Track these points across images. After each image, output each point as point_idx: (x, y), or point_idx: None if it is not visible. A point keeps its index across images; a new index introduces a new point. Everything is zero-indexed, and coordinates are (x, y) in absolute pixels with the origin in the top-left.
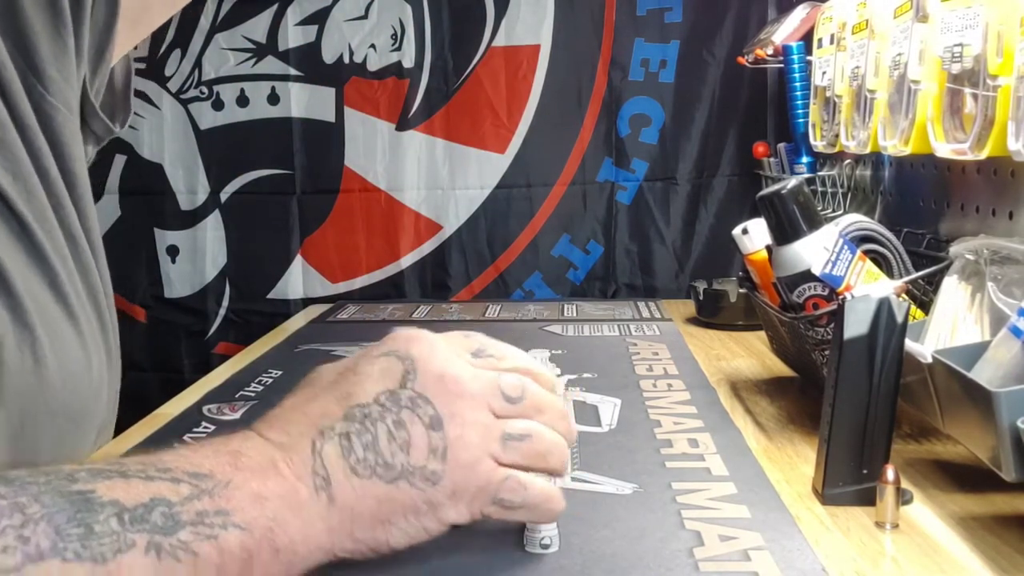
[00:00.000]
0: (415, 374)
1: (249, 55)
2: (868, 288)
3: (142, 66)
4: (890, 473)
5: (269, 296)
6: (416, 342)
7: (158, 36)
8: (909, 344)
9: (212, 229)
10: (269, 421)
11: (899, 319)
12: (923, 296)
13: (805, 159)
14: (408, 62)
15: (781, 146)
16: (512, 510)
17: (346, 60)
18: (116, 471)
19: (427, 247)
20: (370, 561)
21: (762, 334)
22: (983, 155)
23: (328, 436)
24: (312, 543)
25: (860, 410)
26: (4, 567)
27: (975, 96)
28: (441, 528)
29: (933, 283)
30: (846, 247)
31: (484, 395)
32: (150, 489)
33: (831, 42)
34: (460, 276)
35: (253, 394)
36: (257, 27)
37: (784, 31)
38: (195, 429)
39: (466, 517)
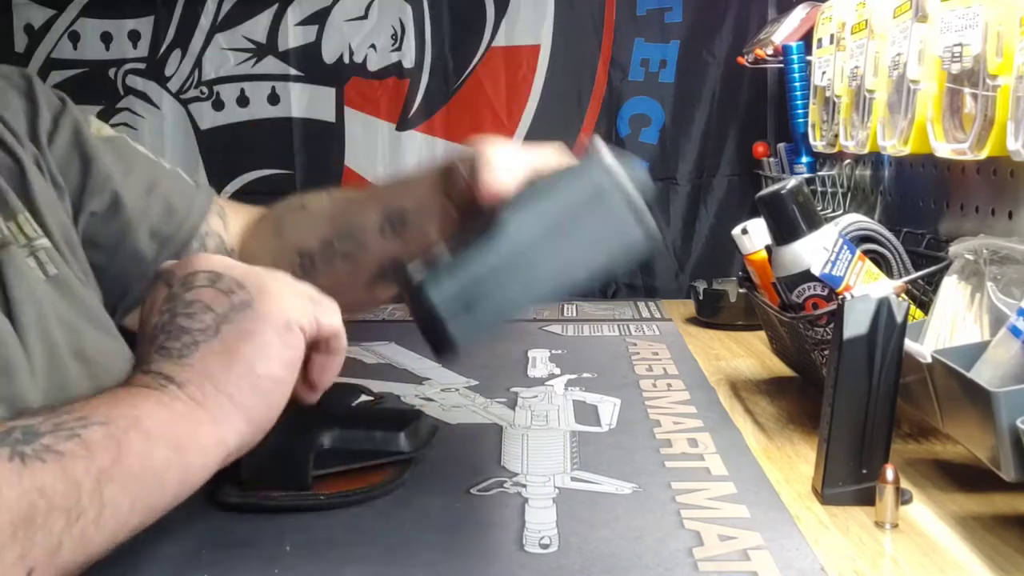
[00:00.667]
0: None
1: (249, 55)
2: (868, 288)
3: (142, 66)
4: (890, 473)
5: None
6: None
7: (158, 36)
8: (909, 344)
9: None
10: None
11: (899, 319)
12: (923, 296)
13: (805, 159)
14: (408, 62)
15: (781, 146)
16: (331, 314)
17: (346, 60)
18: None
19: None
20: (371, 557)
21: (762, 334)
22: (983, 155)
23: (149, 362)
24: (187, 418)
25: (860, 410)
26: None
27: (975, 96)
28: (295, 335)
29: (933, 283)
30: (846, 247)
31: (293, 285)
32: (12, 422)
33: (831, 42)
34: None
35: None
36: (257, 27)
37: (784, 31)
38: None
39: (307, 321)
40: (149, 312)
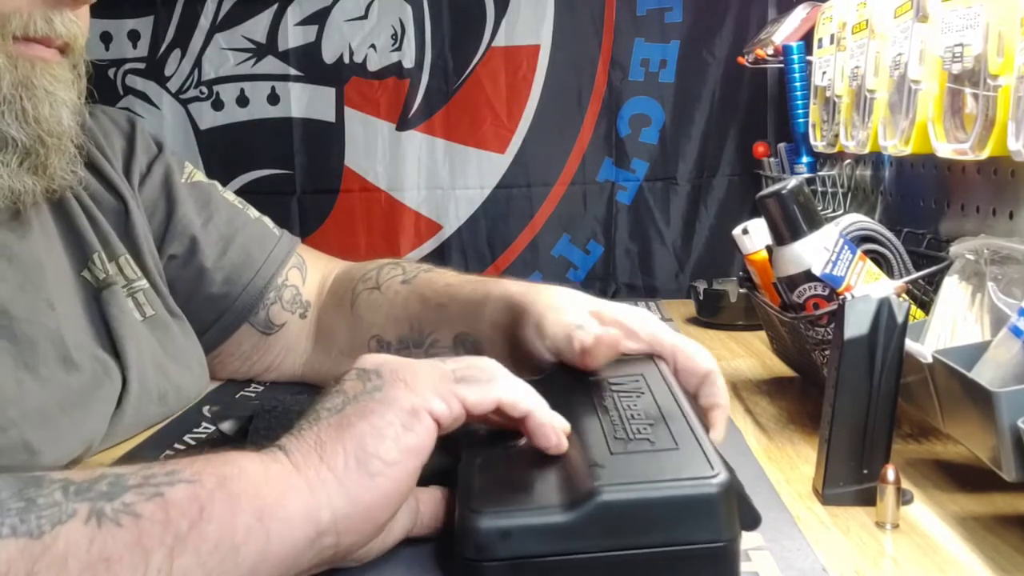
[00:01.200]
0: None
1: (249, 55)
2: (868, 288)
3: (142, 66)
4: (890, 473)
5: None
6: (386, 361)
7: (158, 36)
8: (909, 344)
9: None
10: None
11: (899, 319)
12: (923, 296)
13: (805, 159)
14: (408, 62)
15: (781, 146)
16: (484, 386)
17: (346, 60)
18: (81, 466)
19: (427, 247)
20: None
21: (762, 334)
22: (984, 155)
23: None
24: (280, 483)
25: (860, 410)
26: None
27: (976, 96)
28: (421, 421)
29: (933, 283)
30: (846, 247)
31: (432, 365)
32: (105, 469)
33: (831, 42)
34: None
35: (253, 394)
36: (257, 27)
37: (784, 31)
38: (195, 430)
39: (439, 402)
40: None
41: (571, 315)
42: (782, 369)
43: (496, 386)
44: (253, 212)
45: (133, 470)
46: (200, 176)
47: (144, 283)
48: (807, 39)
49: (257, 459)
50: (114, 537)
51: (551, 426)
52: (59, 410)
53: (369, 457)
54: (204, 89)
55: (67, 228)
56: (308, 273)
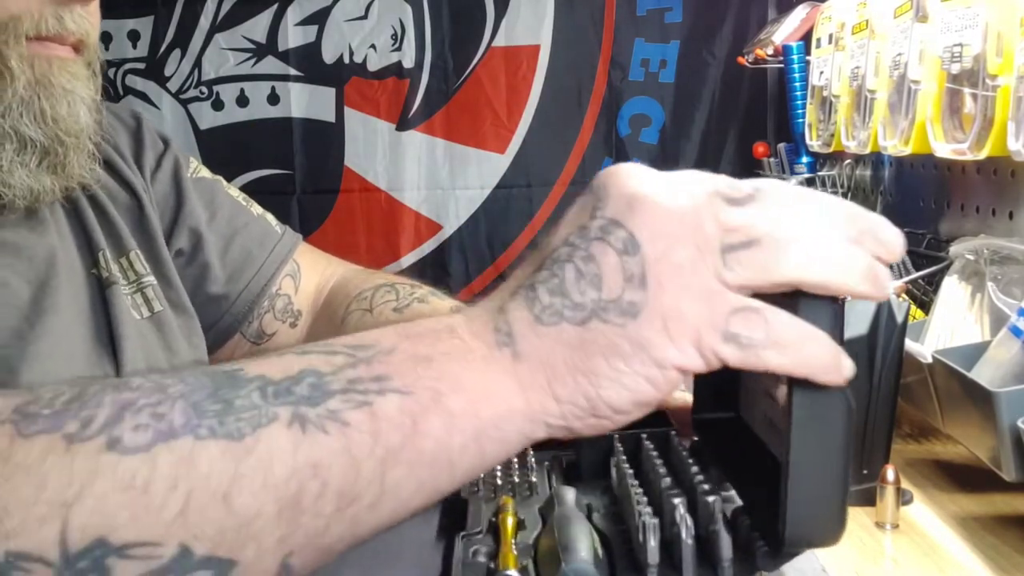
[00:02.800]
0: (605, 200)
1: (249, 55)
2: None
3: (142, 66)
4: (890, 473)
5: None
6: (614, 172)
7: (158, 36)
8: (909, 344)
9: None
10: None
11: (899, 319)
12: (923, 296)
13: (805, 159)
14: (408, 62)
15: (781, 146)
16: (758, 353)
17: (346, 60)
18: (274, 352)
19: (427, 247)
20: (371, 557)
21: None
22: (983, 155)
23: (515, 295)
24: (501, 404)
25: (860, 410)
26: (135, 445)
27: (975, 96)
28: (668, 375)
29: (933, 283)
30: None
31: (695, 207)
32: (302, 362)
33: (830, 42)
34: (460, 276)
35: None
36: (257, 27)
37: (784, 31)
38: None
39: (695, 359)
40: (574, 217)
41: None
42: None
43: (770, 355)
44: (256, 209)
45: (334, 367)
46: (204, 171)
47: (153, 279)
48: (807, 39)
49: (480, 363)
50: (320, 443)
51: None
52: None
53: (599, 402)
54: (204, 89)
55: (79, 224)
56: (302, 280)
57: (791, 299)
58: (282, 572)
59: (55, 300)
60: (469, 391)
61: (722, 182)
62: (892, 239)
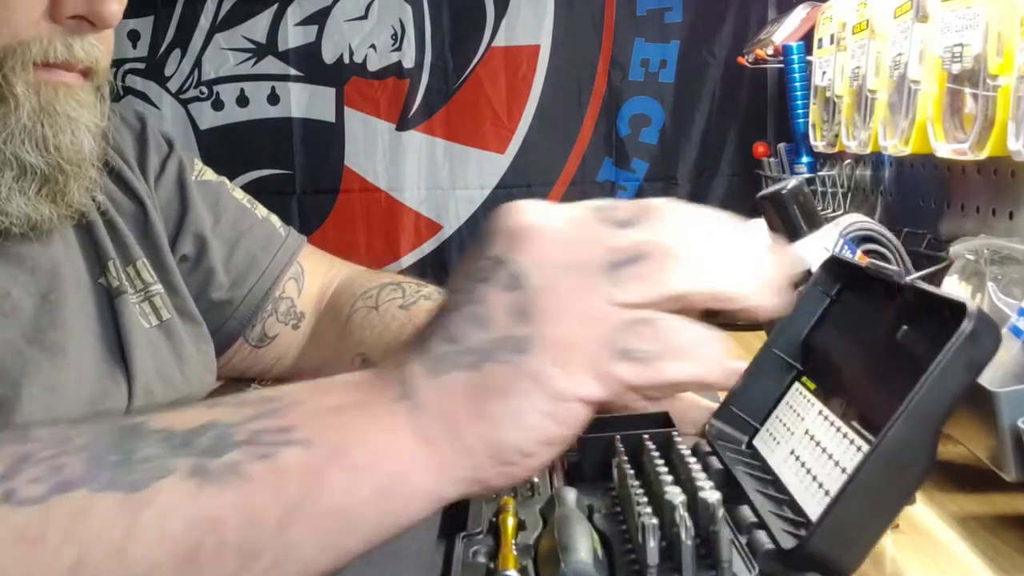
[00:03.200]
0: (492, 239)
1: (249, 55)
2: None
3: (142, 66)
4: None
5: None
6: (501, 209)
7: (158, 36)
8: None
9: None
10: None
11: None
12: None
13: (805, 159)
14: (408, 62)
15: (781, 146)
16: (654, 366)
17: (346, 60)
18: (181, 403)
19: (427, 247)
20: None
21: (762, 334)
22: (983, 155)
23: (412, 348)
24: (404, 458)
25: None
26: (30, 497)
27: (975, 96)
28: (570, 409)
29: (933, 283)
30: (846, 247)
31: (579, 231)
32: (208, 414)
33: (831, 42)
34: None
35: None
36: (257, 27)
37: (784, 31)
38: None
39: (594, 387)
40: (465, 265)
41: None
42: None
43: (671, 367)
44: (261, 211)
45: (239, 419)
46: (209, 174)
47: (160, 287)
48: (807, 39)
49: (381, 424)
50: (219, 497)
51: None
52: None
53: (504, 448)
54: (204, 89)
55: (85, 234)
56: (306, 283)
57: None
58: None
59: (61, 312)
60: (372, 444)
61: (606, 204)
62: (786, 256)
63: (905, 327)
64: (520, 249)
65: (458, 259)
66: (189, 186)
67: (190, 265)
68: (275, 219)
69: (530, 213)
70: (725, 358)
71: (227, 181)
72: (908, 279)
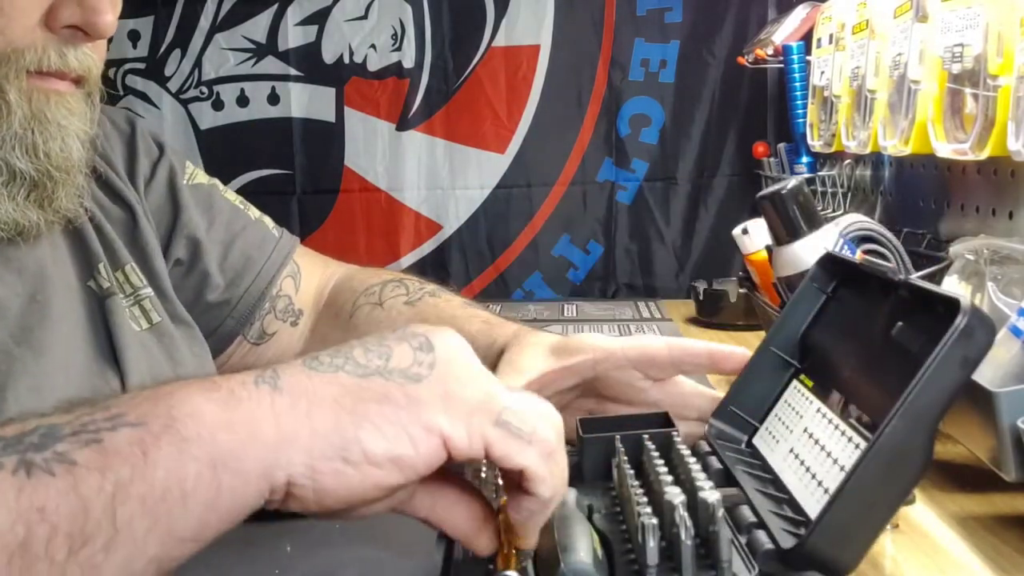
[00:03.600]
0: (418, 337)
1: (249, 55)
2: None
3: (142, 66)
4: None
5: None
6: (438, 330)
7: (158, 36)
8: None
9: None
10: None
11: None
12: None
13: (805, 159)
14: (408, 62)
15: (781, 146)
16: (519, 443)
17: (346, 60)
18: (22, 416)
19: (427, 247)
20: (371, 558)
21: (762, 334)
22: (983, 155)
23: (302, 357)
24: (243, 430)
25: None
26: None
27: (975, 96)
28: (430, 442)
29: (933, 283)
30: (846, 247)
31: (488, 388)
32: (44, 420)
33: (830, 42)
34: (460, 276)
35: None
36: (257, 27)
37: (784, 31)
38: None
39: (462, 435)
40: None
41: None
42: None
43: (531, 452)
44: (254, 212)
45: (71, 417)
46: (201, 175)
47: (149, 291)
48: (807, 39)
49: (221, 400)
50: (46, 485)
51: (536, 525)
52: None
53: (354, 444)
54: (204, 89)
55: (73, 237)
56: (303, 281)
57: None
58: None
59: (48, 312)
60: (207, 418)
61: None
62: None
63: (900, 323)
64: (441, 337)
65: (458, 259)
66: (181, 190)
67: (184, 269)
68: (268, 220)
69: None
70: (564, 481)
71: (219, 183)
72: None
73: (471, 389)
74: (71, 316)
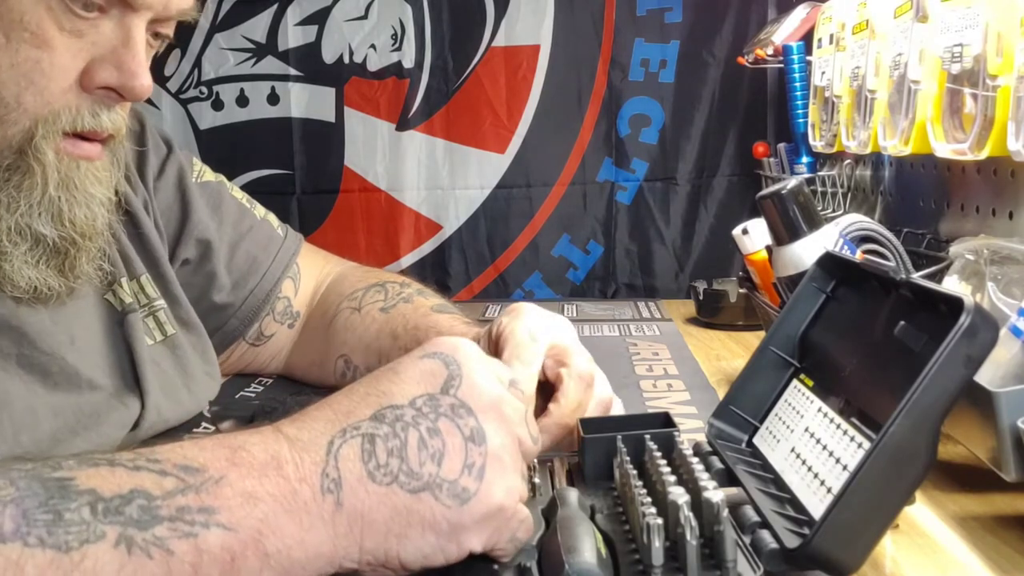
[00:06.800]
0: (459, 380)
1: (249, 55)
2: None
3: None
4: None
5: None
6: (462, 350)
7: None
8: None
9: None
10: (293, 417)
11: None
12: None
13: (805, 159)
14: (408, 62)
15: (781, 146)
16: (513, 551)
17: (346, 60)
18: (105, 460)
19: (427, 247)
20: None
21: (762, 334)
22: (983, 155)
23: (350, 436)
24: (311, 549)
25: None
26: None
27: (975, 96)
28: (459, 555)
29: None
30: (846, 247)
31: (518, 425)
32: (133, 480)
33: (830, 42)
34: (460, 276)
35: (253, 394)
36: (257, 27)
37: (784, 31)
38: (195, 430)
39: (480, 549)
40: (422, 378)
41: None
42: None
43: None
44: (259, 210)
45: (164, 492)
46: (208, 173)
47: (162, 302)
48: (807, 39)
49: (298, 514)
50: (144, 567)
51: None
52: (71, 433)
53: (395, 559)
54: (204, 89)
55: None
56: (302, 283)
57: None
58: None
59: (73, 334)
60: (287, 536)
61: (531, 418)
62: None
63: (902, 323)
64: (485, 410)
65: (458, 259)
66: (190, 190)
67: (192, 268)
68: (273, 218)
69: (496, 383)
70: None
71: (226, 180)
72: (908, 277)
73: (505, 505)
74: (90, 334)
